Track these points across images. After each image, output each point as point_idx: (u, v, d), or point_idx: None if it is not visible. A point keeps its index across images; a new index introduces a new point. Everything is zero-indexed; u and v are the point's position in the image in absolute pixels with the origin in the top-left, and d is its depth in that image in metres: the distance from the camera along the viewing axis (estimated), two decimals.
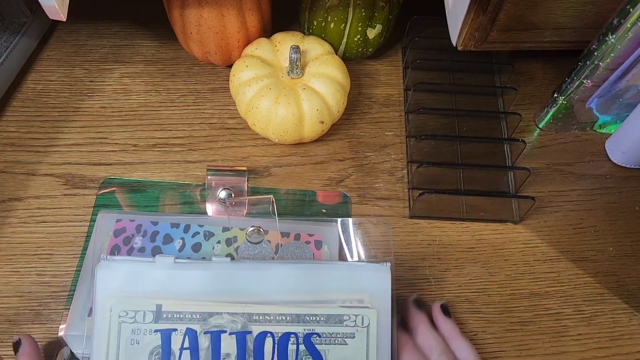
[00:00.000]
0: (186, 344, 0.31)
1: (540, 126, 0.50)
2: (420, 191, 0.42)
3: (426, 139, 0.46)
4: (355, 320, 0.32)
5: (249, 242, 0.38)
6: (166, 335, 0.31)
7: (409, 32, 0.54)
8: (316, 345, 0.31)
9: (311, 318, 0.32)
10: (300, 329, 0.31)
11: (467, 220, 0.44)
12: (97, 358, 0.30)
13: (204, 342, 0.31)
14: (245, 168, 0.44)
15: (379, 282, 0.32)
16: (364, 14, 0.48)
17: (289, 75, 0.45)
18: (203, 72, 0.52)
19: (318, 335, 0.32)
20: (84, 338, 0.34)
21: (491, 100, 0.51)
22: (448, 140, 0.48)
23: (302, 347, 0.31)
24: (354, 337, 0.32)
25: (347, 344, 0.32)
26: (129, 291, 0.31)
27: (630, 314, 0.41)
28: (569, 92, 0.46)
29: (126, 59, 0.53)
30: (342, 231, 0.39)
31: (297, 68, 0.44)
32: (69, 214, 0.44)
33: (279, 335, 0.31)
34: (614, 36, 0.40)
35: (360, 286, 0.32)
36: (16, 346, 0.34)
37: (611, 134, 0.49)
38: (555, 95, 0.48)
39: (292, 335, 0.31)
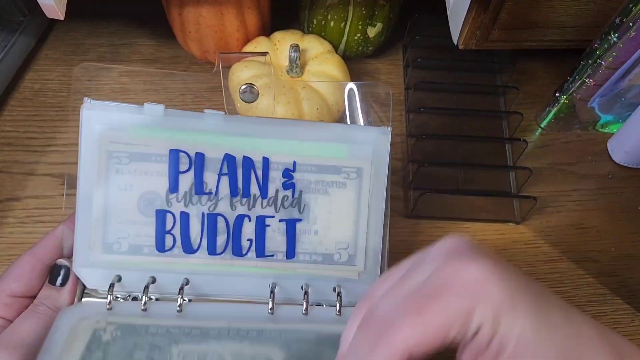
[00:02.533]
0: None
1: (542, 125, 0.50)
2: (421, 191, 0.42)
3: (427, 138, 0.45)
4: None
5: (243, 101, 0.37)
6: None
7: (409, 31, 0.53)
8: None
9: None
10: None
11: (468, 220, 0.44)
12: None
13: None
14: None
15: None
16: (364, 12, 0.47)
17: (288, 74, 0.44)
18: (202, 71, 0.52)
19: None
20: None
21: (492, 100, 0.51)
22: (449, 139, 0.47)
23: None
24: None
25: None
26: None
27: (632, 314, 0.41)
28: (570, 91, 0.46)
29: (125, 58, 0.52)
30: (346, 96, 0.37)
31: (296, 67, 0.44)
32: (67, 214, 0.43)
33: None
34: (616, 35, 0.40)
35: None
36: (57, 274, 0.31)
37: (613, 134, 0.49)
38: (557, 94, 0.47)
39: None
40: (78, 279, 0.31)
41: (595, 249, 0.44)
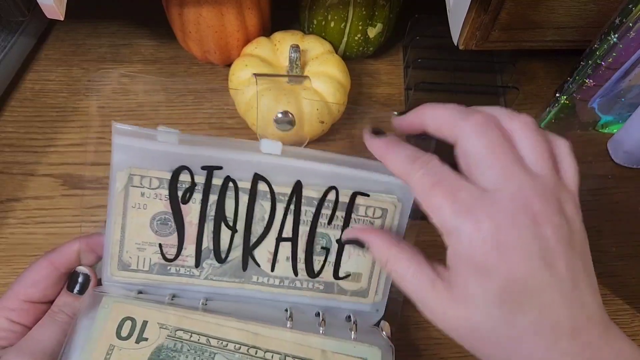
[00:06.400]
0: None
1: (542, 126, 0.50)
2: None
3: (427, 138, 0.45)
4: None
5: (277, 129, 0.35)
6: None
7: (410, 31, 0.53)
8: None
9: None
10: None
11: None
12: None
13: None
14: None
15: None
16: (364, 12, 0.47)
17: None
18: (202, 72, 0.52)
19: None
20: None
21: (493, 100, 0.51)
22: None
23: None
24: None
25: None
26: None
27: (632, 314, 0.41)
28: (570, 91, 0.46)
29: (125, 58, 0.52)
30: None
31: (297, 67, 0.44)
32: (68, 215, 0.43)
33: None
34: (615, 35, 0.40)
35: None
36: (76, 282, 0.31)
37: (613, 134, 0.49)
38: (557, 94, 0.47)
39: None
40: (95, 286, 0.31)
41: (596, 250, 0.43)
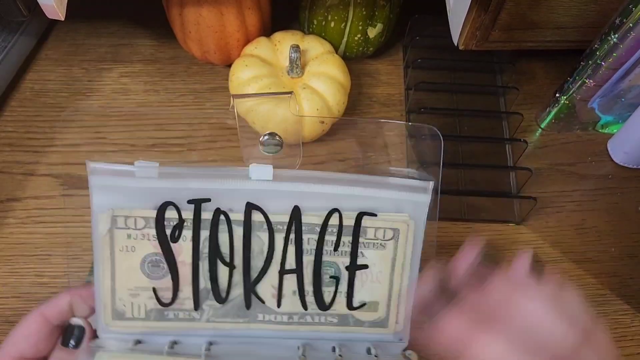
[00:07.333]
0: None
1: (542, 126, 0.50)
2: None
3: (427, 139, 0.45)
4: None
5: (265, 152, 0.34)
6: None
7: (410, 31, 0.53)
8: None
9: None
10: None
11: (468, 220, 0.44)
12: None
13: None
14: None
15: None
16: (364, 12, 0.47)
17: (288, 74, 0.45)
18: (202, 72, 0.52)
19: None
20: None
21: (492, 100, 0.51)
22: (449, 140, 0.47)
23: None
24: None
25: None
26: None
27: (632, 315, 0.41)
28: (571, 91, 0.46)
29: (125, 58, 0.52)
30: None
31: (297, 67, 0.44)
32: (68, 215, 0.43)
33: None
34: (616, 35, 0.40)
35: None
36: (71, 335, 0.29)
37: (613, 134, 0.49)
38: (557, 95, 0.47)
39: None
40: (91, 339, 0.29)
41: (596, 250, 0.44)
